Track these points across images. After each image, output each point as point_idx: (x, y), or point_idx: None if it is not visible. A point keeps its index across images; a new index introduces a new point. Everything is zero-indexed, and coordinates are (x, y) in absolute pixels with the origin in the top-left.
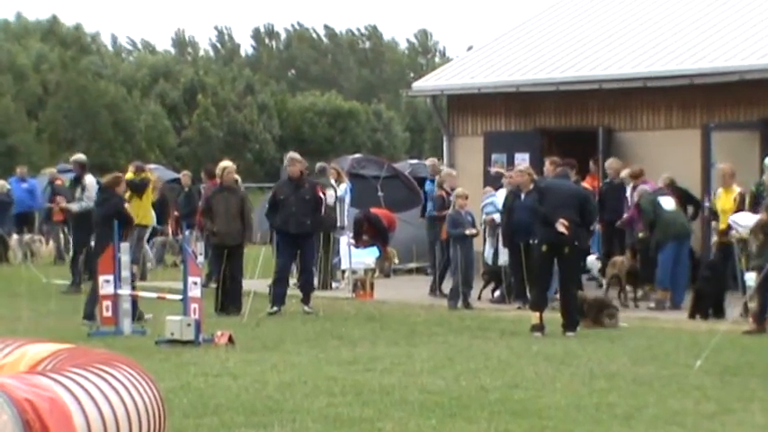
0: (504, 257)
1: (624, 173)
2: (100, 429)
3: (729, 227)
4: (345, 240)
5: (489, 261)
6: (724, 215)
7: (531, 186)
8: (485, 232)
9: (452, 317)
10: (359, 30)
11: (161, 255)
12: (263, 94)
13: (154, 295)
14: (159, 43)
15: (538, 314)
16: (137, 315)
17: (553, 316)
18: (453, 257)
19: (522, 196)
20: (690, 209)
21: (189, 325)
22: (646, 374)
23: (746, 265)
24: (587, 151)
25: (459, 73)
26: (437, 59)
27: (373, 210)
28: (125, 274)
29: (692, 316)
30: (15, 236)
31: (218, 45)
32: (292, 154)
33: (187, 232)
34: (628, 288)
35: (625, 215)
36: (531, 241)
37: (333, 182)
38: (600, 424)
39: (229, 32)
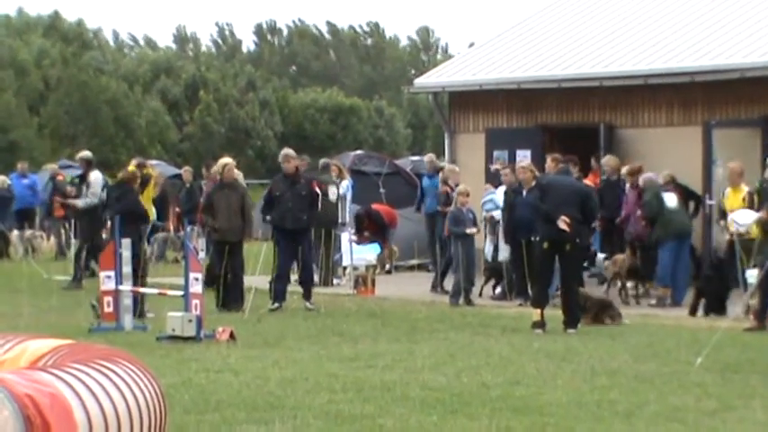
0: (504, 254)
1: (624, 170)
2: (101, 425)
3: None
4: (347, 237)
5: (489, 258)
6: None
7: (533, 183)
8: (485, 229)
9: (454, 313)
10: (361, 26)
11: (162, 251)
12: (264, 90)
13: (155, 291)
14: (161, 39)
15: (539, 311)
16: (138, 311)
17: (554, 313)
18: (454, 254)
19: (524, 193)
20: (690, 205)
21: (190, 321)
22: (647, 371)
23: (747, 262)
24: (589, 148)
25: (460, 70)
26: (439, 56)
27: (374, 206)
28: (126, 270)
29: (692, 313)
30: (16, 232)
31: (220, 41)
32: (287, 150)
33: (188, 228)
34: (629, 285)
35: (623, 213)
36: (532, 238)
37: (334, 178)
38: (601, 421)
39: (230, 28)
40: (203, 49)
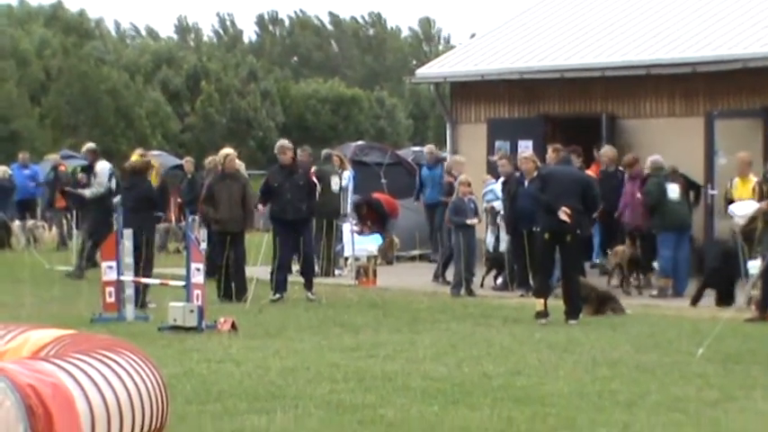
0: (502, 244)
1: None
2: (103, 415)
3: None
4: (348, 228)
5: (491, 248)
6: None
7: (535, 173)
8: (486, 220)
9: (455, 304)
10: (363, 17)
11: (164, 241)
12: (266, 81)
13: (157, 282)
14: (162, 30)
15: (542, 301)
16: (140, 302)
17: (556, 303)
18: (455, 245)
19: (526, 183)
20: (691, 195)
21: (192, 311)
22: (648, 362)
23: (749, 253)
24: (591, 138)
25: (462, 60)
26: (440, 47)
27: (376, 194)
28: (128, 260)
29: (693, 303)
30: (18, 222)
31: (221, 31)
32: (283, 142)
33: (190, 218)
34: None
35: (621, 204)
36: (533, 229)
37: (336, 169)
38: (602, 411)
39: (231, 19)
40: (205, 39)
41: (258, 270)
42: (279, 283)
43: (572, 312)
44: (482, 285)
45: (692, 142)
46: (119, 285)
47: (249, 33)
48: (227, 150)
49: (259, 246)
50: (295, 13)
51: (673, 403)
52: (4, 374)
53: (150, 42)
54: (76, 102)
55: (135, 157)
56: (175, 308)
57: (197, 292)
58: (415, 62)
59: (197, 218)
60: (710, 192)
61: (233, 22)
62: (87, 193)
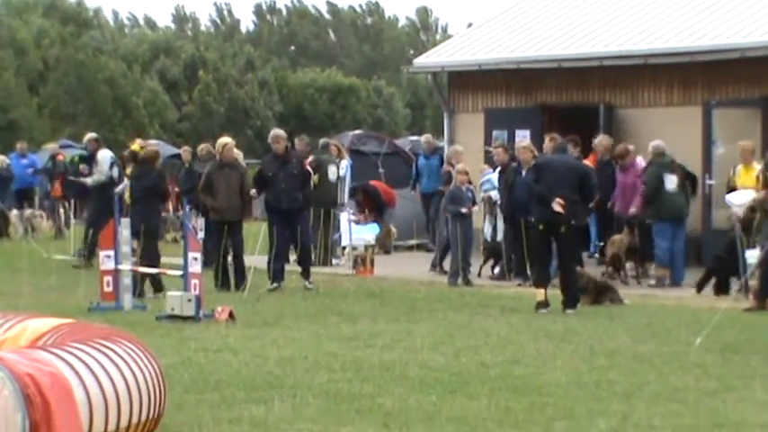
0: (499, 234)
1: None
2: (100, 404)
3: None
4: (346, 217)
5: (488, 238)
6: None
7: (533, 163)
8: (484, 209)
9: (452, 293)
10: (360, 6)
11: (161, 231)
12: (263, 70)
13: (155, 271)
14: (160, 19)
15: (542, 291)
16: (137, 291)
17: (554, 293)
18: (452, 234)
19: (523, 173)
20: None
21: (189, 300)
22: (646, 352)
23: (747, 242)
24: (588, 128)
25: (459, 50)
26: (438, 36)
27: (373, 182)
28: (125, 249)
29: (698, 290)
30: (16, 211)
31: (218, 21)
32: (277, 131)
33: (187, 208)
34: (628, 265)
35: (614, 196)
36: (530, 218)
37: (334, 158)
38: (600, 401)
39: (229, 8)
40: (202, 28)
41: (256, 259)
42: (276, 273)
43: (569, 302)
44: (479, 275)
45: (689, 132)
46: (117, 274)
47: (246, 23)
48: (226, 139)
49: (257, 235)
50: (292, 2)
51: (671, 393)
52: (3, 364)
53: (148, 32)
54: (75, 91)
55: (135, 146)
56: (173, 297)
57: (194, 281)
58: (412, 52)
59: (188, 207)
60: (708, 181)
61: (230, 12)
62: (89, 181)
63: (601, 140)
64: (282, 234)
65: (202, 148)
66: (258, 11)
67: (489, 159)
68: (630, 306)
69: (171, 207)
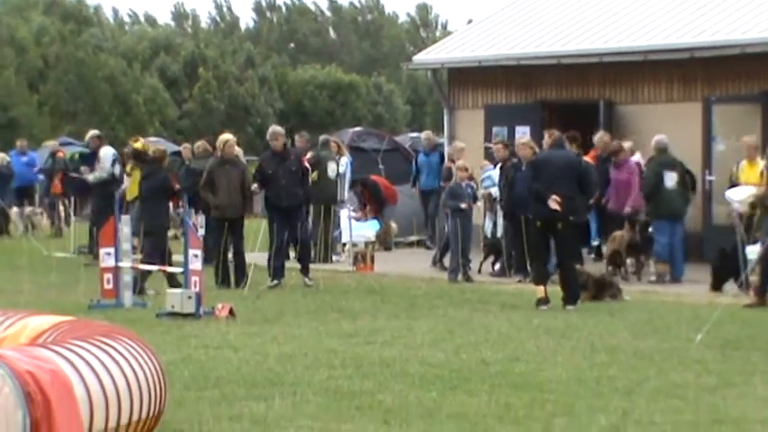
0: (499, 230)
1: (625, 146)
2: (101, 401)
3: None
4: (346, 214)
5: (489, 234)
6: None
7: (531, 160)
8: (484, 206)
9: (453, 290)
10: (361, 2)
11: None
12: (263, 67)
13: (155, 268)
14: (159, 16)
15: (542, 287)
16: (138, 288)
17: (554, 290)
18: (451, 230)
19: (523, 169)
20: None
21: (189, 298)
22: (646, 348)
23: (747, 238)
24: (588, 124)
25: (459, 46)
26: (438, 33)
27: (375, 177)
28: (126, 246)
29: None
30: (16, 209)
31: (218, 18)
32: (276, 128)
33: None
34: (629, 261)
35: (608, 193)
36: (530, 215)
37: (333, 155)
38: (600, 397)
39: (228, 5)
40: (204, 25)
41: (256, 256)
42: (276, 270)
43: (570, 298)
44: (480, 271)
45: (689, 128)
46: (117, 272)
47: (246, 20)
48: (227, 136)
49: (257, 232)
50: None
51: (671, 389)
52: (3, 361)
53: (148, 29)
54: (75, 89)
55: (138, 144)
56: (173, 294)
57: (195, 278)
58: (412, 48)
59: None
60: (708, 177)
61: (230, 9)
62: (90, 177)
63: (601, 137)
64: (282, 231)
65: (199, 145)
66: (258, 8)
67: (489, 156)
68: (631, 302)
69: (171, 204)
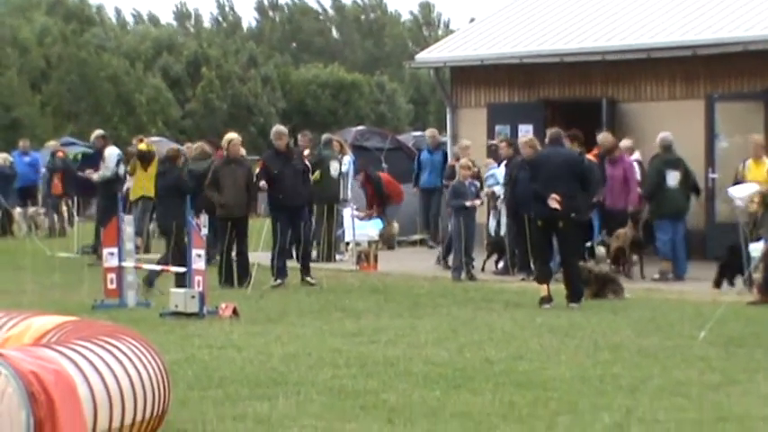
0: (503, 228)
1: (623, 144)
2: (105, 401)
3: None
4: (349, 213)
5: (492, 232)
6: None
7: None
8: (488, 204)
9: (456, 288)
10: (364, 1)
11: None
12: (266, 66)
13: (158, 268)
14: (161, 17)
15: (545, 286)
16: (150, 282)
17: (557, 288)
18: (454, 228)
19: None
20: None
21: (193, 297)
22: (650, 346)
23: (751, 235)
24: (591, 122)
25: (462, 45)
26: (440, 32)
27: (382, 174)
28: (129, 246)
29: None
30: (19, 209)
31: (220, 18)
32: (280, 128)
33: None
34: (634, 258)
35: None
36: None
37: (336, 154)
38: (604, 395)
39: (231, 5)
40: (207, 24)
41: (259, 256)
42: (279, 269)
43: (573, 296)
44: (483, 270)
45: (692, 125)
46: (120, 272)
47: (248, 19)
48: (232, 135)
49: (260, 231)
50: None
51: (675, 387)
52: (7, 361)
53: (151, 29)
54: (77, 89)
55: (142, 146)
56: (177, 294)
57: (198, 278)
58: (415, 47)
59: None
60: (711, 175)
61: (232, 8)
62: (95, 176)
63: (605, 137)
64: (286, 231)
65: (197, 146)
66: (260, 7)
67: (493, 154)
68: (634, 300)
69: None
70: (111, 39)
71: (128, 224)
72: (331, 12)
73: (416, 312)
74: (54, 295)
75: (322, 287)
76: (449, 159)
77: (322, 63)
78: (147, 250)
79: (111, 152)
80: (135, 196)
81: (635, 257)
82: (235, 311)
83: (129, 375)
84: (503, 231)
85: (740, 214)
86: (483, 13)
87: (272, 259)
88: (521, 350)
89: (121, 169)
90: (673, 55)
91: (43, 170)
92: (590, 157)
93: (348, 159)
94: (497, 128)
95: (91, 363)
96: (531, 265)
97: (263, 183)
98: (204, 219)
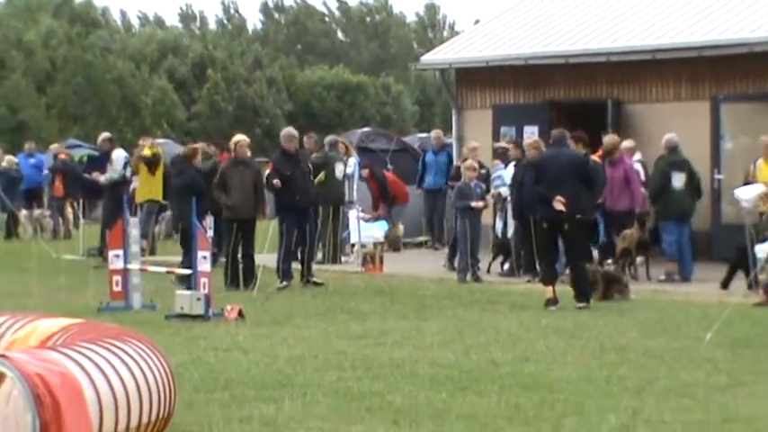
0: (509, 230)
1: (624, 145)
2: (110, 403)
3: None
4: (354, 214)
5: (499, 234)
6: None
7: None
8: (494, 206)
9: (462, 290)
10: (369, 3)
11: (170, 229)
12: (271, 68)
13: (163, 270)
14: (167, 19)
15: (550, 288)
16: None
17: (564, 289)
18: (460, 230)
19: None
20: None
21: (199, 299)
22: (656, 347)
23: (757, 236)
24: (596, 124)
25: (467, 46)
26: (445, 33)
27: (387, 173)
28: (135, 248)
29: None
30: (24, 211)
31: (225, 20)
32: (291, 130)
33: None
34: (639, 259)
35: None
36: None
37: (341, 156)
38: (611, 397)
39: (236, 7)
40: (213, 26)
41: (265, 258)
42: (285, 271)
43: (581, 296)
44: (489, 271)
45: (697, 126)
46: (126, 274)
47: (254, 21)
48: (240, 136)
49: (265, 233)
50: (297, 1)
51: (681, 389)
52: (13, 364)
53: (156, 31)
54: (82, 91)
55: (146, 151)
56: (182, 296)
57: (204, 280)
58: (420, 49)
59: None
60: (717, 176)
61: (237, 11)
62: (102, 178)
63: (610, 139)
64: (293, 232)
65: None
66: (265, 9)
67: (500, 155)
68: (640, 301)
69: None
70: (117, 41)
71: (133, 226)
72: (336, 13)
73: (422, 314)
74: (59, 298)
75: (327, 289)
76: (454, 161)
77: (327, 65)
78: (152, 252)
79: (119, 155)
80: (141, 199)
81: (640, 259)
82: (240, 313)
83: (134, 378)
84: (509, 233)
85: (746, 216)
86: (488, 15)
87: (278, 261)
88: (527, 352)
89: (128, 172)
90: (678, 56)
91: (46, 172)
92: (595, 158)
93: (353, 161)
94: (503, 129)
95: (96, 365)
96: (537, 267)
97: (276, 181)
98: (210, 220)
